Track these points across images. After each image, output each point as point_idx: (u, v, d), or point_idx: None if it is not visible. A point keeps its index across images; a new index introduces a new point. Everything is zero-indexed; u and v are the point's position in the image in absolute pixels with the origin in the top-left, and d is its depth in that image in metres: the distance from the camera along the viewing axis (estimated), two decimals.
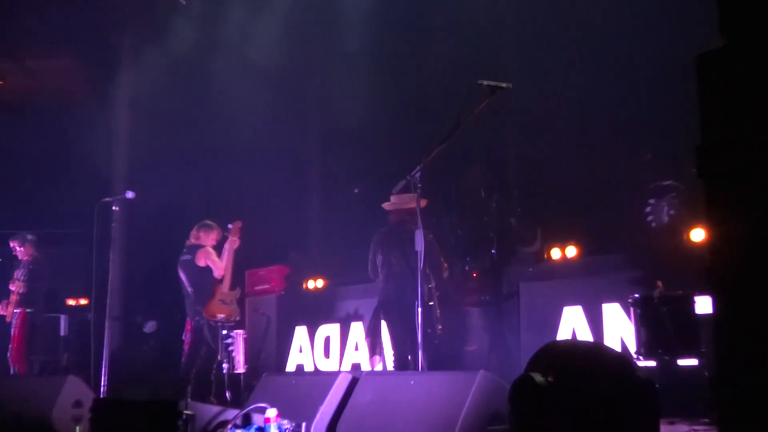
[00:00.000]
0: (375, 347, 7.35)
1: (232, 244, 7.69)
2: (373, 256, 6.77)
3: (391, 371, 6.73)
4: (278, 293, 9.56)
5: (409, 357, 6.38)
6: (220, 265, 7.58)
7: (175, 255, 7.82)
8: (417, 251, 5.46)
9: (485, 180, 8.22)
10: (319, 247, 10.44)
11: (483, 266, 7.75)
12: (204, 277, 7.55)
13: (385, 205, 6.76)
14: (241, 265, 8.34)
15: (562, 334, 6.52)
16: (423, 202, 5.63)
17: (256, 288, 9.83)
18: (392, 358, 6.71)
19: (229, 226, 7.77)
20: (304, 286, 9.52)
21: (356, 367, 8.13)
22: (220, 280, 7.60)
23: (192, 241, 7.71)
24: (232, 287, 7.68)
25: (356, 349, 8.35)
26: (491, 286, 7.54)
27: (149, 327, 10.43)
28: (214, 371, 7.53)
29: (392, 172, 6.28)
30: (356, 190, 9.30)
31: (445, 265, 6.71)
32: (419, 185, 5.48)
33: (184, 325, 7.66)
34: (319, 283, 9.42)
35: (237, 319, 7.74)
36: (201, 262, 7.56)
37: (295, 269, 9.76)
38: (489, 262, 7.75)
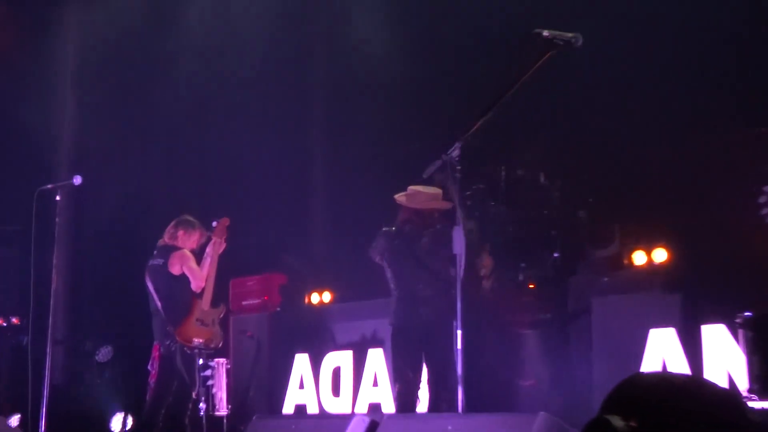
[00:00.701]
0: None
1: (216, 247, 7.72)
2: (377, 257, 6.87)
3: (421, 413, 6.79)
4: (272, 310, 9.63)
5: (418, 398, 6.58)
6: (200, 274, 7.59)
7: (140, 259, 7.88)
8: (455, 255, 5.48)
9: (545, 161, 8.22)
10: (324, 250, 10.49)
11: (543, 275, 7.77)
12: (178, 289, 7.57)
13: (398, 197, 6.79)
14: (224, 273, 8.38)
15: (648, 364, 6.55)
16: (446, 204, 5.63)
17: (244, 303, 9.88)
18: (393, 396, 6.85)
19: (214, 224, 7.78)
20: (306, 300, 9.58)
21: (375, 408, 8.19)
22: (200, 294, 7.64)
23: (166, 240, 7.72)
24: (215, 304, 7.72)
25: (375, 384, 8.41)
26: (553, 301, 7.57)
27: (103, 354, 10.54)
28: (188, 412, 7.61)
29: (421, 151, 6.30)
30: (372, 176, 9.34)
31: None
32: (458, 168, 5.49)
33: (150, 352, 7.74)
34: (326, 296, 9.48)
35: (219, 344, 7.81)
36: (175, 269, 7.57)
37: (293, 278, 9.82)
38: (551, 269, 7.76)
